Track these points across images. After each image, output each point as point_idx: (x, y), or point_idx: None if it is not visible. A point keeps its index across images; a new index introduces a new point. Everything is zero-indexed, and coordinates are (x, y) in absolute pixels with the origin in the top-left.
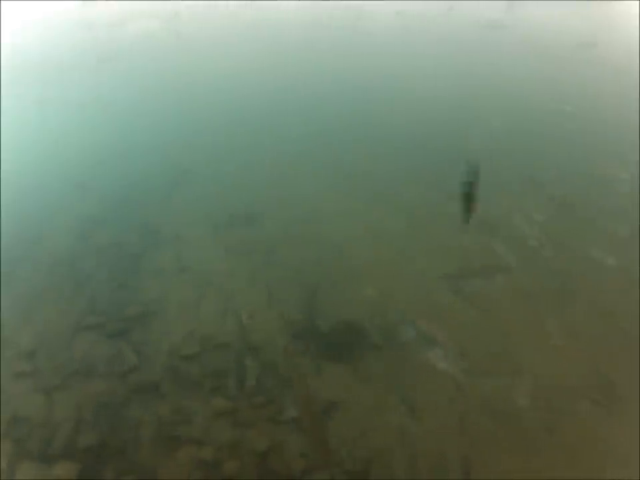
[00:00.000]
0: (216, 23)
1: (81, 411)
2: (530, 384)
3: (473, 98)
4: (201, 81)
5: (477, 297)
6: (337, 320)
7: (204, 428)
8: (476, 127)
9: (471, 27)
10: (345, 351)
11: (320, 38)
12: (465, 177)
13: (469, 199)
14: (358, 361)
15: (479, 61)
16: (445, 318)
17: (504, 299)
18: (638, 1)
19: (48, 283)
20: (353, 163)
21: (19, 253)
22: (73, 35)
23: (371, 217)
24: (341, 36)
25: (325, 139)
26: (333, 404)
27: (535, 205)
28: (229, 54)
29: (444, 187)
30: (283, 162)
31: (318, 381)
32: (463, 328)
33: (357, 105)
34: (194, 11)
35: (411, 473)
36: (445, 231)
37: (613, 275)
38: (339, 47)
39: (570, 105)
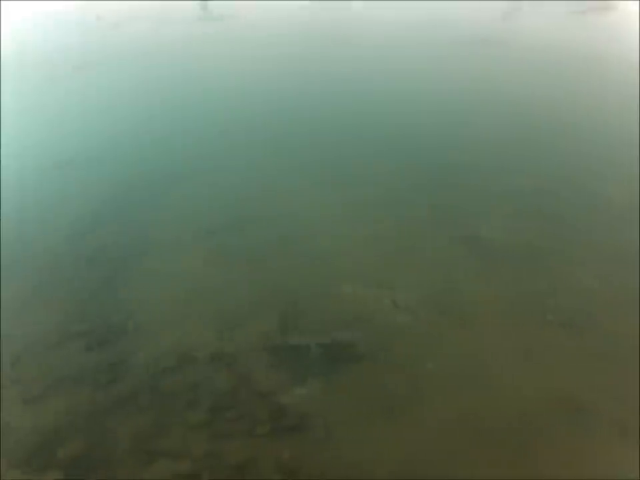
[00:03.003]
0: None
1: (61, 421)
2: None
3: (468, 112)
4: (189, 86)
5: (456, 314)
6: (317, 333)
7: (181, 440)
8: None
9: (465, 40)
10: (325, 364)
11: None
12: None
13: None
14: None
15: (476, 73)
16: (423, 331)
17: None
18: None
19: (30, 291)
20: (341, 173)
21: (1, 259)
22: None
23: (356, 227)
24: (325, 49)
25: (315, 147)
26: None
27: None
28: (219, 59)
29: (431, 199)
30: (272, 170)
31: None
32: (441, 343)
33: (344, 114)
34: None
35: None
36: (427, 243)
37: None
38: (324, 59)
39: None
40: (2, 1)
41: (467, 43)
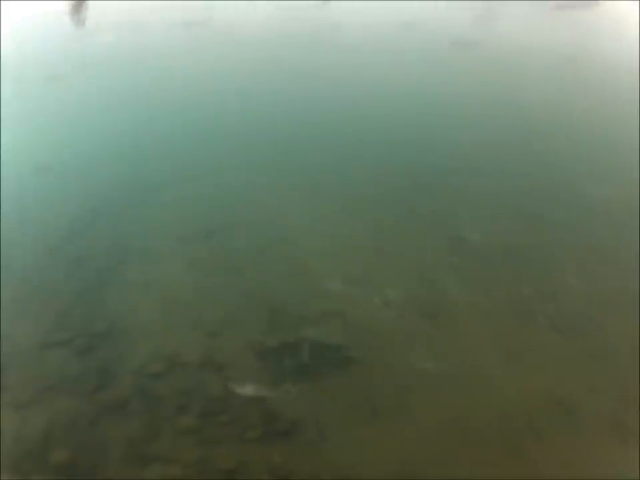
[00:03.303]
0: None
1: (51, 427)
2: None
3: (451, 115)
4: (177, 91)
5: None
6: (299, 338)
7: (171, 445)
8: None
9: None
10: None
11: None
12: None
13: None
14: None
15: (455, 77)
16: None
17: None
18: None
19: (13, 297)
20: (324, 178)
21: None
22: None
23: (338, 234)
24: (305, 55)
25: (299, 156)
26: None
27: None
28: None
29: (414, 203)
30: (254, 178)
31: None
32: (427, 341)
33: (329, 120)
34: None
35: None
36: (409, 248)
37: None
38: (305, 65)
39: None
40: (2, 1)
41: (452, 45)
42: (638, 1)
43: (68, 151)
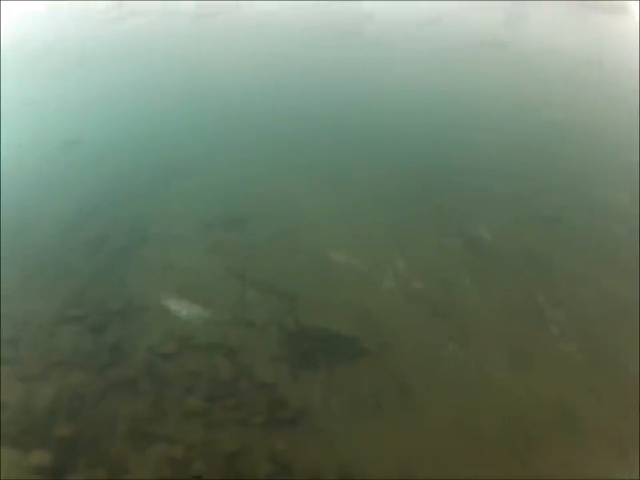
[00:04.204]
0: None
1: (58, 401)
2: None
3: (471, 116)
4: (197, 80)
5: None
6: (315, 327)
7: (176, 426)
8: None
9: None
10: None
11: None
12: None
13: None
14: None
15: (476, 77)
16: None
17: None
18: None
19: (33, 273)
20: (344, 173)
21: (4, 242)
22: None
23: (357, 227)
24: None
25: (319, 147)
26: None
27: None
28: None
29: (430, 199)
30: (276, 167)
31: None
32: (436, 338)
33: (351, 114)
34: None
35: None
36: (425, 244)
37: None
38: (329, 60)
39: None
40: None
41: (473, 46)
42: None
43: (96, 130)
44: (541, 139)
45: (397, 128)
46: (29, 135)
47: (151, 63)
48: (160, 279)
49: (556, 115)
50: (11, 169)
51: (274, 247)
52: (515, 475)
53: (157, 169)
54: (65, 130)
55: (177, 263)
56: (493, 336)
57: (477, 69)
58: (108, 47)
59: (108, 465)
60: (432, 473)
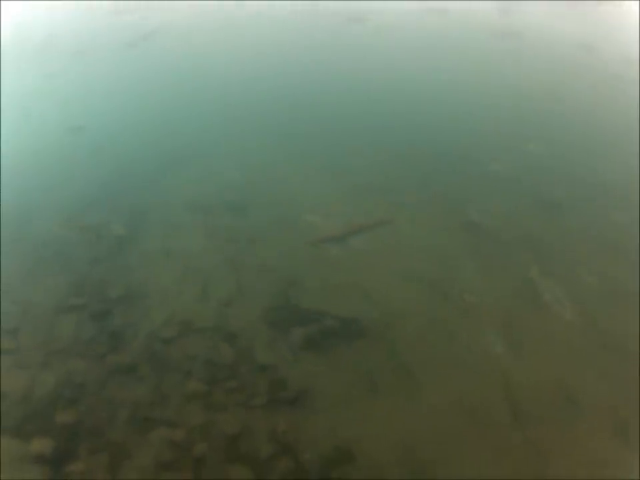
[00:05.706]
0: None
1: (60, 388)
2: None
3: (475, 104)
4: (196, 70)
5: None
6: (315, 308)
7: (178, 409)
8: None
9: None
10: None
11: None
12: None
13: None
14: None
15: (479, 66)
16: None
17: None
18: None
19: (33, 261)
20: (343, 160)
21: (4, 232)
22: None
23: (356, 212)
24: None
25: (318, 135)
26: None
27: None
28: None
29: (430, 184)
30: (276, 154)
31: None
32: (436, 321)
33: (350, 102)
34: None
35: None
36: (424, 227)
37: None
38: (335, 51)
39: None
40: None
41: (472, 34)
42: None
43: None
44: (542, 127)
45: (396, 115)
46: (30, 125)
47: (150, 54)
48: (160, 265)
49: (557, 102)
50: (11, 160)
51: (273, 232)
52: (517, 453)
53: (156, 158)
54: (66, 119)
55: (177, 249)
56: (492, 316)
57: (480, 59)
58: (108, 38)
59: (110, 451)
60: (434, 452)
